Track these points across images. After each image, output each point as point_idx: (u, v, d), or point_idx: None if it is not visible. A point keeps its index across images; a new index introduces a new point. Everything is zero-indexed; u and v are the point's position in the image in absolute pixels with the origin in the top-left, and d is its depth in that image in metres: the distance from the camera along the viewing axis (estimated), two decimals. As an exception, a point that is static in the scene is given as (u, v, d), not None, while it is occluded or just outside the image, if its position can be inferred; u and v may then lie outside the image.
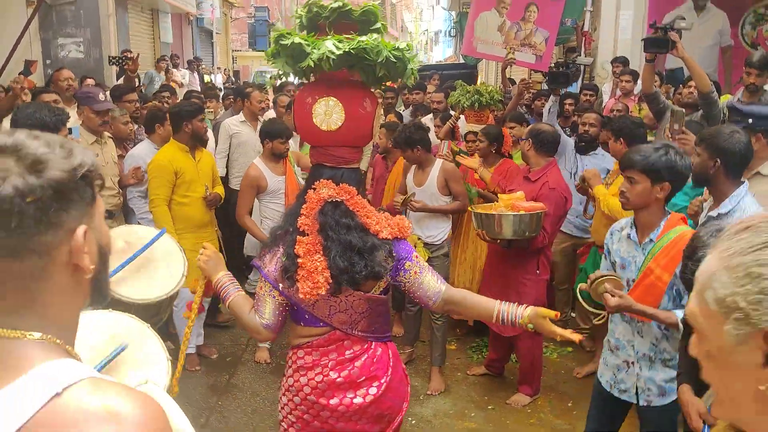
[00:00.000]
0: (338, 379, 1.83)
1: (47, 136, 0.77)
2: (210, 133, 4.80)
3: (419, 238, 3.51)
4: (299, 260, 1.75)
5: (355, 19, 1.82)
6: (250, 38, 23.71)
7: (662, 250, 2.11)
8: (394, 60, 1.75)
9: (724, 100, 4.58)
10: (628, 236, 2.24)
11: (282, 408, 1.94)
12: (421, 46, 40.17)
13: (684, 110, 3.85)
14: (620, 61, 6.07)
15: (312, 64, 1.71)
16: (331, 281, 1.74)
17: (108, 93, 4.89)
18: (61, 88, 4.65)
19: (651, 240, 2.16)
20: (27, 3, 7.68)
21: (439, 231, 3.58)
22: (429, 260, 3.38)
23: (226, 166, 4.82)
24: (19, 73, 5.13)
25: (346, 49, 1.70)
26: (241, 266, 4.31)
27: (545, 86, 6.14)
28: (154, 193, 3.45)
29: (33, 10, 7.50)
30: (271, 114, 5.39)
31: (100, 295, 0.86)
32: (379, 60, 1.73)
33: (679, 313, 2.06)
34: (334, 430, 1.87)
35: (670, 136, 3.24)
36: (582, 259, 3.80)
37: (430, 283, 1.86)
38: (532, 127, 3.36)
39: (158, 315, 2.49)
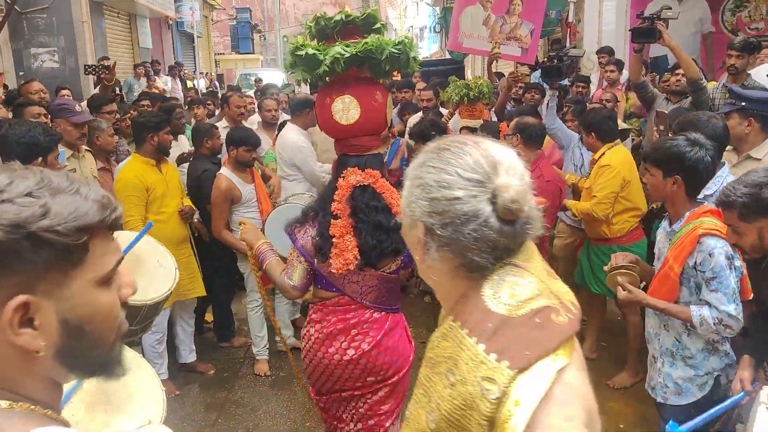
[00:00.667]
0: (335, 330, 2.14)
1: (20, 178, 0.66)
2: (184, 139, 4.66)
3: None
4: (334, 240, 2.03)
5: (358, 23, 2.10)
6: (233, 41, 23.47)
7: (678, 241, 2.07)
8: (397, 53, 2.02)
9: (710, 86, 4.53)
10: (665, 228, 2.22)
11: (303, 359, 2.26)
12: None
13: (666, 112, 3.82)
14: (606, 52, 6.02)
15: (326, 68, 1.99)
16: (359, 258, 2.03)
17: (84, 104, 4.76)
18: (32, 101, 4.47)
19: (673, 231, 2.13)
20: (-4, 12, 7.48)
21: None
22: None
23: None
24: None
25: (354, 52, 1.98)
26: (235, 279, 4.17)
27: (533, 79, 6.07)
28: (128, 214, 3.21)
29: (2, 19, 7.29)
30: (256, 118, 5.26)
31: (94, 370, 0.72)
32: (384, 57, 2.00)
33: (694, 309, 2.02)
34: (335, 379, 2.18)
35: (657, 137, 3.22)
36: (577, 251, 3.82)
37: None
38: (518, 122, 3.29)
39: (158, 312, 2.53)
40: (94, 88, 8.28)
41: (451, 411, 0.85)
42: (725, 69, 5.13)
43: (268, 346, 3.81)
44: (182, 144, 4.59)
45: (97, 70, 4.68)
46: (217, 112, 5.81)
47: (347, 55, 1.97)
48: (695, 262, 2.01)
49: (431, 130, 3.52)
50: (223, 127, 4.71)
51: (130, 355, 1.83)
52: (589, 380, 0.89)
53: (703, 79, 3.71)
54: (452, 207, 0.88)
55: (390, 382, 2.21)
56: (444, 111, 4.99)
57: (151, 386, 1.77)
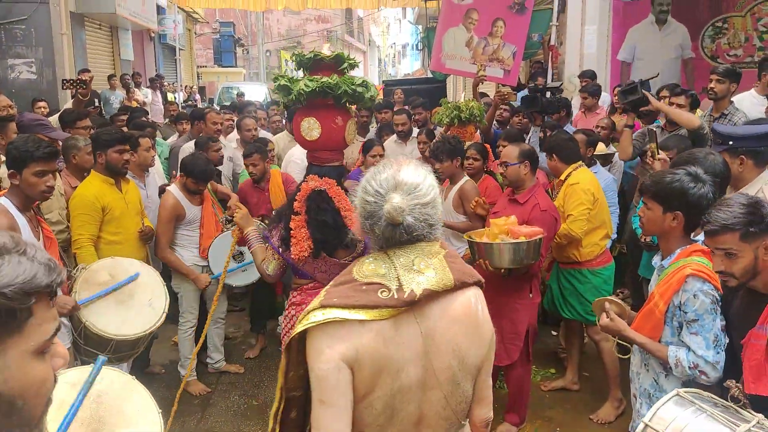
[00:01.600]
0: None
1: None
2: (157, 161, 4.51)
3: None
4: (291, 232, 2.50)
5: (328, 62, 2.63)
6: (216, 54, 23.37)
7: (665, 278, 2.00)
8: (351, 91, 2.53)
9: (698, 115, 4.61)
10: (655, 263, 2.15)
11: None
12: (388, 59, 40.40)
13: (656, 130, 3.85)
14: (588, 75, 6.09)
15: (294, 97, 2.55)
16: (312, 248, 2.48)
17: (56, 117, 4.61)
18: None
19: (663, 266, 2.06)
20: (-27, 22, 7.31)
21: (456, 249, 3.49)
22: None
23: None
24: None
25: (313, 87, 2.50)
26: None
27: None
28: (77, 232, 3.05)
29: (-21, 30, 7.13)
30: (234, 136, 5.18)
31: None
32: (339, 92, 2.52)
33: (672, 349, 1.96)
34: None
35: (650, 157, 3.21)
36: (547, 276, 3.74)
37: None
38: (524, 150, 3.18)
39: (135, 349, 2.72)
40: (71, 99, 8.13)
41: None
42: (705, 94, 5.23)
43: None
44: (155, 165, 4.39)
45: (75, 84, 4.55)
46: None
47: (308, 89, 2.51)
48: (680, 302, 1.95)
49: (459, 145, 3.69)
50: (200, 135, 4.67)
51: (124, 379, 1.80)
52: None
53: (704, 127, 3.63)
54: (366, 205, 1.35)
55: None
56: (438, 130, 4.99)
57: (147, 409, 1.75)
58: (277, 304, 4.49)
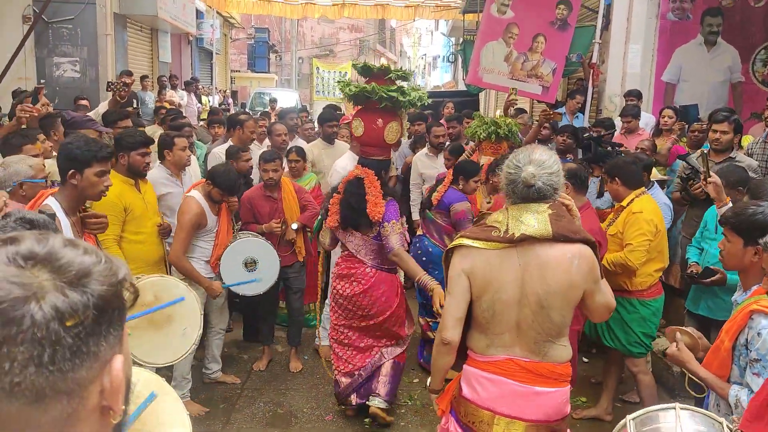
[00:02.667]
0: (342, 273, 3.30)
1: (84, 243, 0.62)
2: (194, 162, 4.55)
3: None
4: (329, 205, 3.27)
5: (377, 72, 3.22)
6: (250, 59, 23.72)
7: (733, 315, 1.91)
8: (387, 96, 3.05)
9: (746, 142, 4.42)
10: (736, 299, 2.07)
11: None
12: (419, 70, 40.50)
13: (705, 153, 3.68)
14: (634, 95, 5.92)
15: (346, 97, 3.30)
16: (339, 221, 3.22)
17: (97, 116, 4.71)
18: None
19: (736, 302, 1.99)
20: (23, 19, 7.51)
21: None
22: None
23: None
24: (20, 97, 4.86)
25: (355, 92, 3.14)
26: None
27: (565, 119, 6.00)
28: (104, 235, 3.00)
29: (29, 28, 7.33)
30: (265, 143, 5.19)
31: None
32: (377, 97, 3.06)
33: (734, 389, 1.86)
34: (340, 308, 3.36)
35: (703, 180, 3.05)
36: None
37: (392, 241, 3.12)
38: (568, 169, 3.07)
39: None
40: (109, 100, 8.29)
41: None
42: (756, 120, 5.03)
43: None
44: (192, 165, 4.43)
45: (118, 87, 4.65)
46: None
47: (350, 93, 3.16)
48: (746, 339, 1.86)
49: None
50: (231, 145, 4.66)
51: (156, 380, 1.77)
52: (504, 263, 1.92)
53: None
54: (509, 175, 1.94)
55: (372, 322, 3.27)
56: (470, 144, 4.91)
57: (177, 411, 1.73)
58: (280, 310, 4.45)
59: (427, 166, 4.95)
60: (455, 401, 2.05)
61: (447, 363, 2.02)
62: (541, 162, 1.89)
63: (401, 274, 3.82)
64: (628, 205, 3.23)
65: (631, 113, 5.42)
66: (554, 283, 1.85)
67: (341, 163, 4.26)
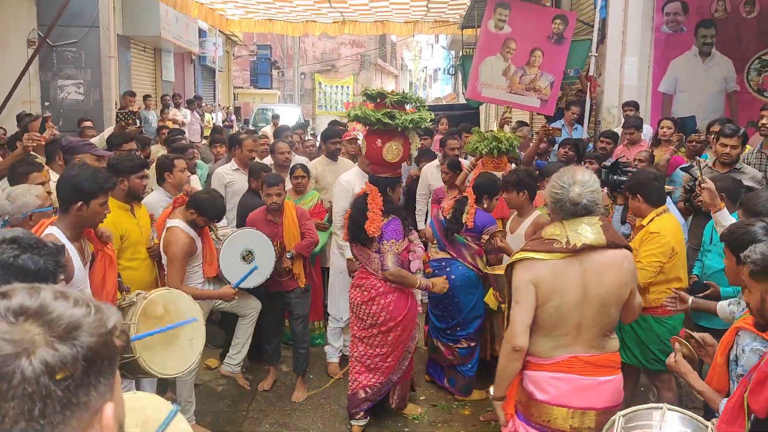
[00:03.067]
0: (356, 283, 3.50)
1: (75, 293, 0.63)
2: (196, 181, 4.62)
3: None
4: (344, 220, 3.60)
5: (372, 95, 3.46)
6: (252, 75, 23.97)
7: (726, 332, 1.96)
8: (377, 120, 3.31)
9: (744, 152, 4.44)
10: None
11: None
12: (419, 83, 40.76)
13: (699, 161, 3.70)
14: (632, 105, 5.96)
15: (351, 120, 3.66)
16: (348, 234, 3.48)
17: (99, 139, 4.79)
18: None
19: (735, 316, 2.07)
20: (28, 43, 7.66)
21: None
22: None
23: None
24: (24, 122, 4.94)
25: (353, 116, 3.45)
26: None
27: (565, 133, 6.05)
28: None
29: (34, 51, 7.47)
30: (269, 160, 5.24)
31: None
32: (368, 121, 3.36)
33: (725, 402, 1.85)
34: (355, 315, 3.52)
35: (698, 187, 3.06)
36: None
37: (387, 260, 3.29)
38: (639, 180, 3.13)
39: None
40: (116, 121, 8.40)
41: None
42: (753, 128, 5.05)
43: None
44: (194, 184, 4.49)
45: (126, 116, 4.73)
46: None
47: (350, 118, 3.55)
48: (735, 355, 1.89)
49: (527, 179, 3.68)
50: (233, 169, 4.73)
51: (161, 403, 1.82)
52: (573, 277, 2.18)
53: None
54: (555, 195, 2.19)
55: (383, 328, 3.39)
56: (469, 160, 4.95)
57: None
58: (285, 329, 4.39)
59: (437, 178, 4.96)
60: (522, 405, 2.28)
61: (515, 369, 2.24)
62: (584, 182, 2.18)
63: (418, 293, 3.86)
64: (648, 223, 3.12)
65: (633, 125, 5.43)
66: (611, 283, 2.14)
67: (346, 177, 4.29)
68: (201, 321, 2.71)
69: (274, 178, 3.85)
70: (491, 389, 2.40)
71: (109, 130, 4.84)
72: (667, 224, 3.10)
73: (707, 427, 1.66)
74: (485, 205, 3.82)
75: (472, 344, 3.82)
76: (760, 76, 6.36)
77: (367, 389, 3.44)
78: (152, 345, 2.48)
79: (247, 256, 3.61)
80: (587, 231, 2.15)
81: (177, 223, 3.29)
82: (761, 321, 1.73)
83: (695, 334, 2.10)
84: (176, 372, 2.60)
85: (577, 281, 2.15)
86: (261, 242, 3.66)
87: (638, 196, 3.15)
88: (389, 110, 3.30)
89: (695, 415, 1.73)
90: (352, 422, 3.51)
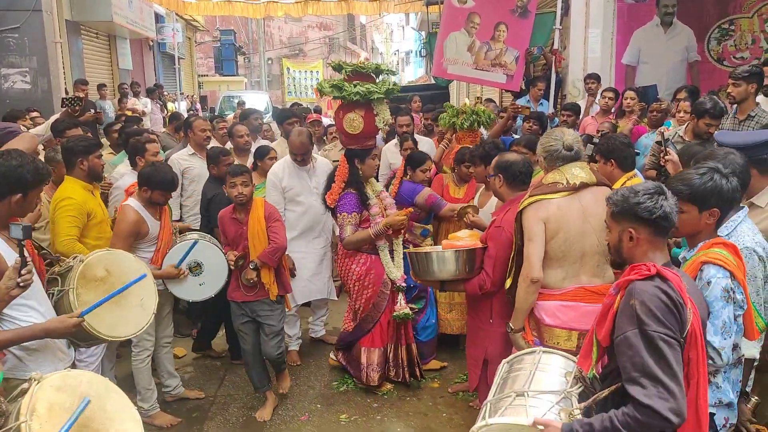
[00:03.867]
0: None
1: None
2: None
3: None
4: None
5: (367, 72, 3.53)
6: (217, 62, 23.32)
7: (684, 268, 2.02)
8: (331, 89, 3.45)
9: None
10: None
11: None
12: (392, 66, 40.40)
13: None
14: (593, 78, 5.93)
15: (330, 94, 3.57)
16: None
17: (41, 129, 4.53)
18: None
19: (685, 258, 2.10)
20: (-33, 32, 7.21)
21: None
22: None
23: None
24: None
25: (328, 86, 3.51)
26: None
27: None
28: (67, 232, 3.07)
29: (-28, 39, 7.02)
30: (229, 145, 5.03)
31: None
32: (323, 91, 3.52)
33: None
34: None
35: (662, 158, 3.15)
36: None
37: (343, 232, 3.52)
38: (500, 160, 2.96)
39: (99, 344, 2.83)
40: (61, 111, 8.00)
41: None
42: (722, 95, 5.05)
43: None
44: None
45: (74, 102, 4.51)
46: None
47: (323, 89, 3.53)
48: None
49: (493, 152, 3.45)
50: (189, 154, 4.52)
51: (101, 380, 1.86)
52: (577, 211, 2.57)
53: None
54: (549, 147, 2.64)
55: (350, 285, 3.66)
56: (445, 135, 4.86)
57: (126, 406, 1.84)
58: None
59: (397, 156, 4.86)
60: (538, 331, 2.60)
61: (533, 301, 2.55)
62: (570, 132, 2.67)
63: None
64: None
65: (611, 89, 5.54)
66: (603, 214, 2.23)
67: (274, 169, 4.12)
68: (150, 278, 2.60)
69: (239, 168, 3.47)
70: (510, 323, 2.64)
71: (54, 117, 4.57)
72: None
73: (574, 361, 1.89)
74: (408, 176, 4.00)
75: (422, 295, 3.97)
76: (720, 45, 6.37)
77: (347, 332, 3.75)
78: (99, 311, 2.37)
79: (195, 268, 3.38)
80: (580, 172, 2.56)
81: (130, 201, 3.29)
82: (617, 259, 1.90)
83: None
84: (129, 334, 2.52)
85: (578, 214, 2.52)
86: (212, 255, 3.41)
87: (612, 161, 3.18)
88: (339, 81, 3.33)
89: (564, 354, 1.97)
90: (330, 354, 4.05)
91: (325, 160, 4.34)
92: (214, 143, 4.87)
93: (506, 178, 2.90)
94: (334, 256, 4.25)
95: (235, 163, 3.99)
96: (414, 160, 4.02)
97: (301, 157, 3.96)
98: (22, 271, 1.97)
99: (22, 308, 2.13)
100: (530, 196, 2.54)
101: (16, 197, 2.19)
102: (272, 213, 3.47)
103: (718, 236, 2.04)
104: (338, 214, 3.49)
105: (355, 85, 3.32)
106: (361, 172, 3.53)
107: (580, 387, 1.77)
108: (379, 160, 4.06)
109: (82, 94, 4.79)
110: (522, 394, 1.73)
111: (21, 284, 1.98)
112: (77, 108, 4.62)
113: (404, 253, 3.62)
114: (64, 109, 4.61)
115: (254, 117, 6.02)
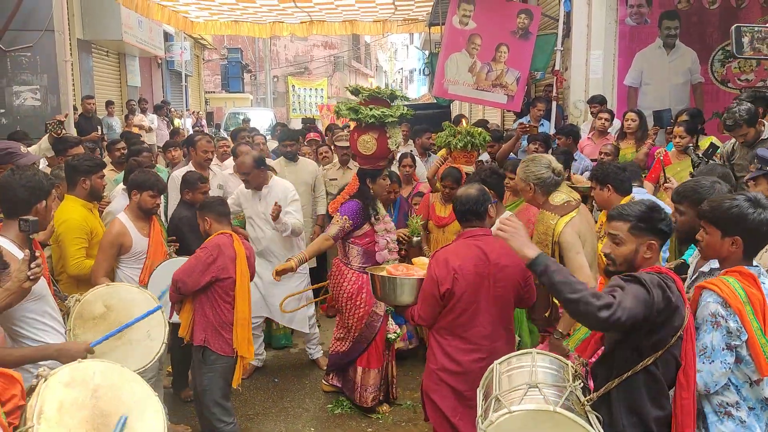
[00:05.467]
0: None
1: None
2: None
3: None
4: None
5: (382, 97, 3.68)
6: (223, 80, 23.63)
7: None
8: (348, 112, 3.61)
9: (705, 143, 4.44)
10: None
11: None
12: (396, 84, 40.77)
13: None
14: (597, 101, 5.96)
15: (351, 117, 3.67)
16: None
17: (36, 147, 4.62)
18: None
19: (704, 273, 2.20)
20: (-21, 50, 7.36)
21: None
22: None
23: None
24: None
25: (344, 109, 3.66)
26: None
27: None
28: (77, 253, 3.13)
29: (-16, 57, 7.17)
30: (230, 162, 5.09)
31: None
32: (340, 114, 3.72)
33: None
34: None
35: (662, 184, 3.18)
36: None
37: (330, 229, 3.63)
38: (456, 194, 2.77)
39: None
40: (76, 128, 8.13)
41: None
42: (718, 119, 5.08)
43: None
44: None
45: (52, 126, 4.57)
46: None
47: (340, 111, 3.70)
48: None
49: (491, 178, 3.63)
50: (188, 172, 4.54)
51: (115, 369, 1.76)
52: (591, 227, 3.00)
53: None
54: (541, 175, 2.91)
55: (341, 303, 3.69)
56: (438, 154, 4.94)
57: (146, 396, 1.76)
58: (273, 331, 4.37)
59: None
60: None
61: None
62: (550, 158, 2.96)
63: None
64: None
65: (607, 110, 5.61)
66: (593, 225, 2.87)
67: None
68: (156, 311, 2.52)
69: (194, 175, 3.81)
70: (559, 329, 2.69)
71: (44, 140, 4.66)
72: None
73: (567, 364, 1.96)
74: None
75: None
76: (724, 67, 6.40)
77: (340, 353, 3.74)
78: (103, 350, 2.31)
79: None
80: (568, 191, 2.94)
81: (119, 215, 3.29)
82: (624, 268, 1.96)
83: None
84: (138, 368, 2.38)
85: (589, 227, 2.89)
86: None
87: (608, 185, 3.18)
88: (355, 105, 3.53)
89: (559, 357, 2.02)
90: (323, 380, 4.01)
91: (285, 185, 4.18)
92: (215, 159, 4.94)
93: (457, 213, 2.68)
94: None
95: (236, 181, 4.05)
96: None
97: (244, 177, 4.07)
98: (32, 265, 2.00)
99: (41, 325, 2.20)
100: (562, 216, 2.80)
101: (41, 205, 2.28)
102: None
103: (743, 266, 2.01)
104: (336, 214, 3.62)
105: (371, 109, 3.48)
106: (372, 191, 3.65)
107: (580, 383, 1.88)
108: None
109: (63, 118, 4.85)
110: (535, 386, 1.79)
111: (31, 277, 2.00)
112: (60, 132, 4.68)
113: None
114: (48, 133, 4.68)
115: (242, 136, 6.08)
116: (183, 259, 3.13)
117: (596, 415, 1.79)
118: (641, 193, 3.67)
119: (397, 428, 3.60)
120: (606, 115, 5.51)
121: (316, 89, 20.54)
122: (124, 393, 1.69)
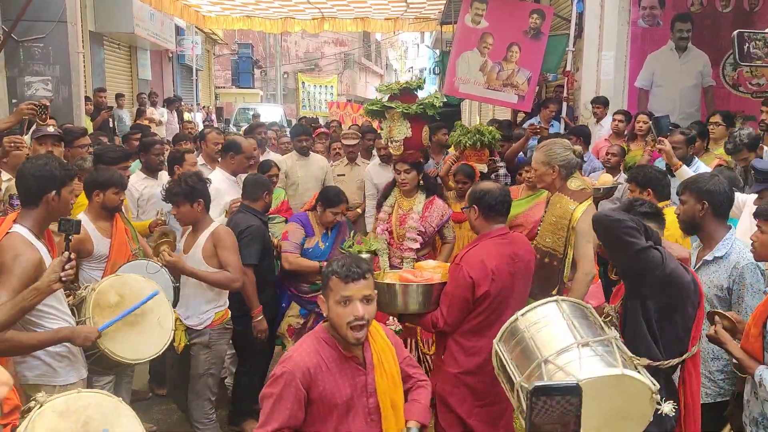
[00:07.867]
0: None
1: None
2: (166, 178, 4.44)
3: None
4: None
5: (413, 89, 3.82)
6: (234, 75, 23.68)
7: (762, 302, 2.09)
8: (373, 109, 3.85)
9: (712, 159, 4.41)
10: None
11: None
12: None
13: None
14: (600, 102, 5.95)
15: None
16: None
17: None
18: None
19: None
20: (-7, 39, 7.41)
21: None
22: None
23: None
24: None
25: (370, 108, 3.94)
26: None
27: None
28: None
29: (-2, 47, 7.22)
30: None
31: None
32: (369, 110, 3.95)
33: (761, 369, 1.97)
34: None
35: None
36: None
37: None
38: (474, 189, 2.68)
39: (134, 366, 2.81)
40: (91, 118, 8.18)
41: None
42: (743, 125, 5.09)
43: None
44: (162, 182, 4.31)
45: (40, 113, 4.25)
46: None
47: (373, 108, 3.87)
48: None
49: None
50: (200, 164, 4.52)
51: (110, 402, 1.76)
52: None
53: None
54: (565, 157, 2.90)
55: None
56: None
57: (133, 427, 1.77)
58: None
59: (381, 176, 4.82)
60: None
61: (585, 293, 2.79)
62: (567, 141, 3.07)
63: None
64: None
65: (622, 112, 5.62)
66: None
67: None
68: (162, 295, 2.61)
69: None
70: None
71: (67, 126, 4.67)
72: (672, 217, 3.04)
73: (588, 307, 1.92)
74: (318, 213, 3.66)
75: None
76: (736, 71, 6.35)
77: None
78: (117, 334, 2.40)
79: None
80: (581, 178, 3.03)
81: (80, 215, 2.98)
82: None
83: (727, 313, 2.22)
84: (150, 355, 2.52)
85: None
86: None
87: (649, 190, 3.21)
88: (388, 102, 3.65)
89: (579, 301, 1.97)
90: None
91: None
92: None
93: (481, 210, 2.57)
94: None
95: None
96: (328, 198, 3.58)
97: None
98: (66, 266, 1.99)
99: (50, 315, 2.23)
100: (581, 202, 2.77)
101: (51, 195, 2.24)
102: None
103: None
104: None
105: (408, 106, 3.61)
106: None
107: (615, 329, 1.82)
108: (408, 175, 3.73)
109: (47, 102, 4.61)
110: (586, 344, 1.65)
111: (63, 279, 2.00)
112: (44, 116, 4.55)
113: None
114: (35, 122, 4.57)
115: (258, 132, 6.09)
116: (149, 262, 2.95)
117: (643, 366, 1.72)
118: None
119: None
120: (620, 117, 5.50)
121: (326, 86, 20.54)
122: (114, 428, 1.70)
